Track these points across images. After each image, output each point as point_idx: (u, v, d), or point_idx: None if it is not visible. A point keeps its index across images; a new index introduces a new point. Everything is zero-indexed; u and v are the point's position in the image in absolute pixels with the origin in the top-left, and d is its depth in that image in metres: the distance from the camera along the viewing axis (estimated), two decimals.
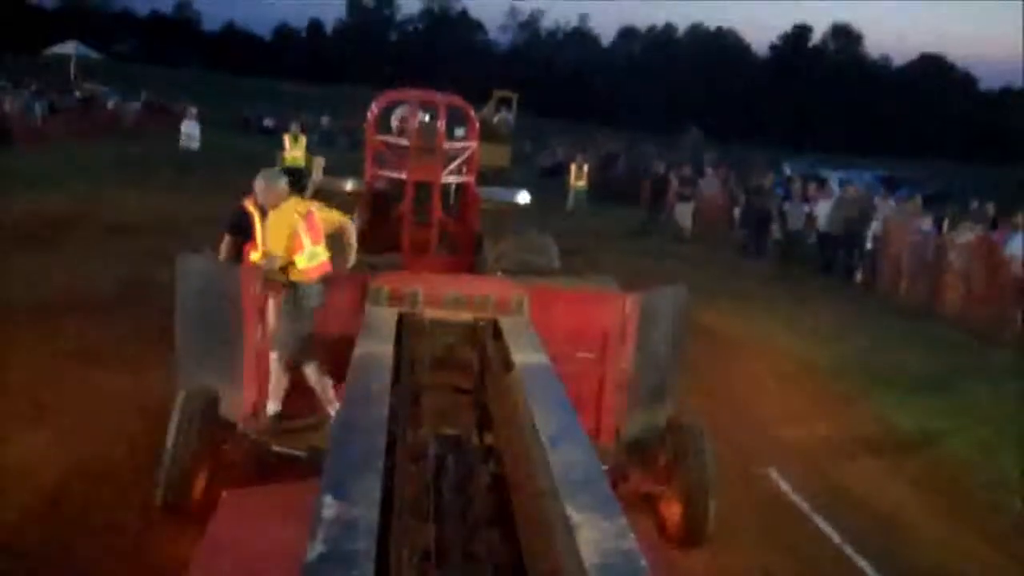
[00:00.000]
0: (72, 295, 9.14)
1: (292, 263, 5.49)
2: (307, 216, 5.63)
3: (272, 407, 5.61)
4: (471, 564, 3.11)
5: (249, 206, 7.44)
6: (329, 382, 5.55)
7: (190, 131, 19.14)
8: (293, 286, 5.52)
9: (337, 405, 5.49)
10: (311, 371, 5.60)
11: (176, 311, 5.92)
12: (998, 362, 10.59)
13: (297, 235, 5.51)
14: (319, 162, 9.25)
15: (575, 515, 2.69)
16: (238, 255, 7.16)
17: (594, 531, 2.61)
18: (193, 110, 19.52)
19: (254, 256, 7.17)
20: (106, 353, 7.50)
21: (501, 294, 5.19)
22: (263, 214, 7.42)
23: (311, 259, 5.57)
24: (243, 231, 7.27)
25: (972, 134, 69.72)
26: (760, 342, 10.45)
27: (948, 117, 72.84)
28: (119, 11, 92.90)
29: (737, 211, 20.44)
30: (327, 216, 5.84)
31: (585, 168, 22.42)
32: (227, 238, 7.23)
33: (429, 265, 8.02)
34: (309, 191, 8.27)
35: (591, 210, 21.30)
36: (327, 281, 5.61)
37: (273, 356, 5.56)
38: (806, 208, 17.22)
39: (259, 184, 5.71)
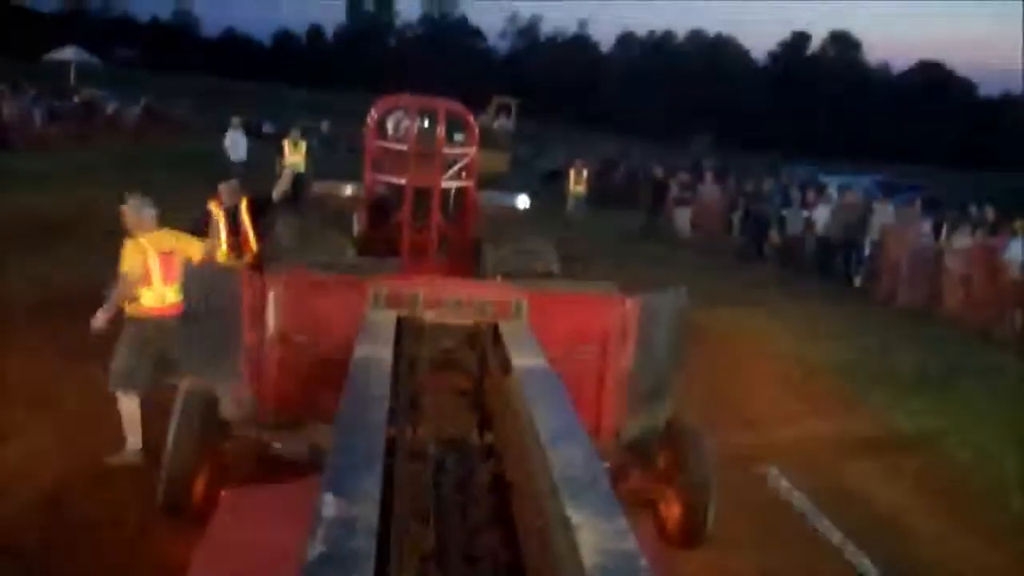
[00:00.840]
0: (73, 296, 9.13)
1: (137, 297, 5.59)
2: (165, 255, 5.70)
3: (132, 443, 5.66)
4: (471, 564, 3.12)
5: (213, 208, 7.64)
6: (138, 418, 5.65)
7: (236, 141, 18.77)
8: (132, 320, 5.63)
9: (137, 442, 5.66)
10: (128, 400, 5.67)
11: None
12: (997, 363, 10.62)
13: (148, 271, 5.58)
14: (288, 169, 9.08)
15: (575, 515, 2.69)
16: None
17: (594, 531, 2.61)
18: (237, 120, 19.23)
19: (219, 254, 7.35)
20: (106, 353, 7.49)
21: (500, 298, 5.20)
22: (228, 216, 7.64)
23: (157, 299, 5.67)
24: (207, 232, 7.47)
25: (971, 140, 69.86)
26: (759, 345, 10.46)
27: (947, 123, 72.94)
28: (119, 17, 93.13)
29: (736, 216, 20.48)
30: (189, 252, 5.89)
31: (584, 173, 22.42)
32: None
33: (429, 269, 8.02)
34: (276, 194, 8.31)
35: (590, 215, 21.31)
36: (174, 320, 5.73)
37: (118, 394, 5.66)
38: (805, 213, 17.26)
39: (126, 211, 5.80)
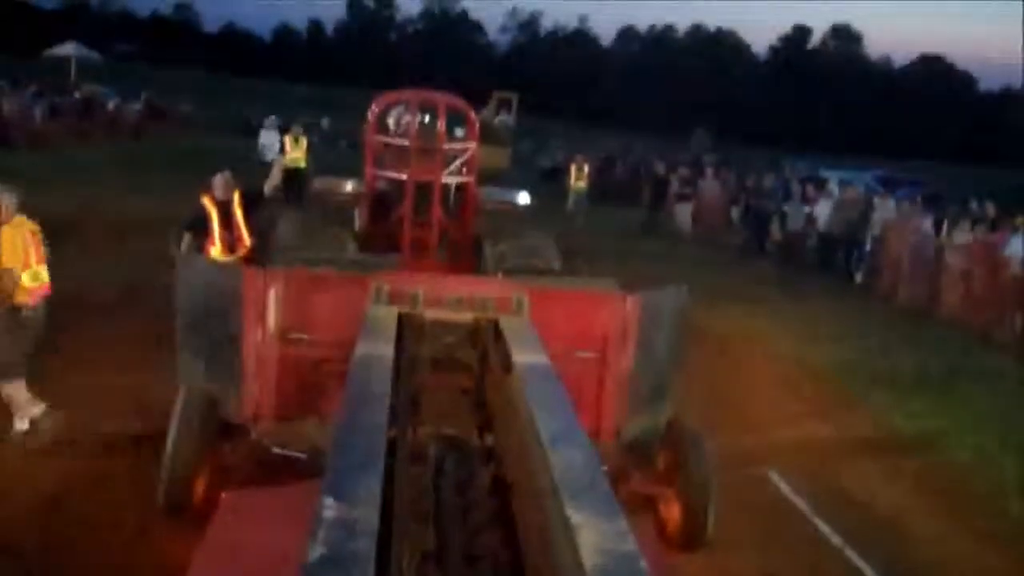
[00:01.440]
0: (71, 295, 9.11)
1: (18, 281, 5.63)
2: (33, 235, 5.80)
3: (19, 424, 5.82)
4: (471, 565, 3.11)
5: (207, 202, 7.59)
6: (30, 402, 5.80)
7: (269, 141, 18.59)
8: (11, 307, 5.67)
9: (26, 422, 5.83)
10: (12, 387, 5.77)
11: (176, 311, 5.92)
12: (997, 364, 10.60)
13: (28, 253, 5.66)
14: (279, 162, 8.98)
15: (575, 516, 2.68)
16: (198, 249, 7.35)
17: (594, 532, 2.60)
18: (272, 118, 19.17)
19: (214, 251, 7.45)
20: (106, 353, 7.50)
21: (501, 294, 5.18)
22: (221, 210, 7.60)
23: (34, 279, 5.74)
24: (202, 227, 7.44)
25: (972, 135, 69.78)
26: (759, 343, 10.44)
27: (948, 118, 72.84)
28: (119, 12, 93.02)
29: (737, 212, 20.46)
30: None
31: (585, 168, 22.36)
32: (186, 235, 7.43)
33: (429, 265, 8.02)
34: (267, 189, 8.26)
35: (591, 211, 21.28)
36: (48, 301, 5.84)
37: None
38: (806, 209, 17.23)
39: None
